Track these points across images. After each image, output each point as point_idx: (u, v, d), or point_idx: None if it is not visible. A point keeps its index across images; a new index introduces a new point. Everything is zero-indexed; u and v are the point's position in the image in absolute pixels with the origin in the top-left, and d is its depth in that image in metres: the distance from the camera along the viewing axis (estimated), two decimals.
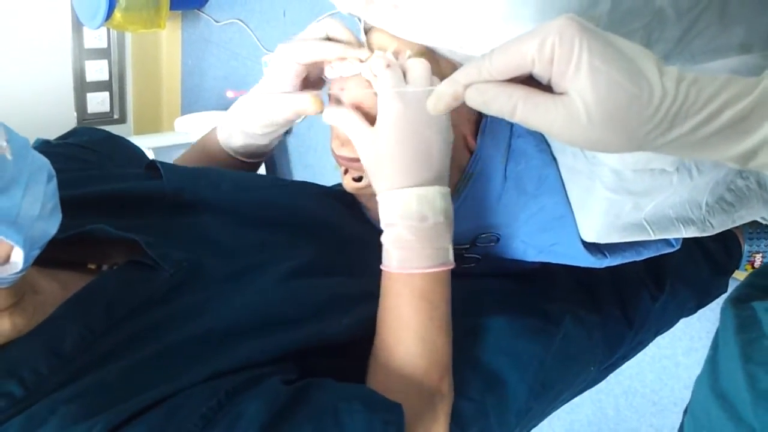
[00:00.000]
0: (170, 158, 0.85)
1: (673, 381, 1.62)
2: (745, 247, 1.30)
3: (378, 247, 0.63)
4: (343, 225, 0.78)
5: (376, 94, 0.61)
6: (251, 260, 0.66)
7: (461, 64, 0.61)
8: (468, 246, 0.77)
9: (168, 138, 2.64)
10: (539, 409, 0.78)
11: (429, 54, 0.65)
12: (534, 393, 0.73)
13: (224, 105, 2.68)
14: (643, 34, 0.56)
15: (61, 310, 0.54)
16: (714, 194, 0.73)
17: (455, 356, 0.64)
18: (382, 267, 0.63)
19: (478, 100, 0.45)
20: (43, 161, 0.49)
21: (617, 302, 0.91)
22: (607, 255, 0.75)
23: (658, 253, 0.78)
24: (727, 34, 0.59)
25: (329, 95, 0.67)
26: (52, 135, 0.78)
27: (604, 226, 0.70)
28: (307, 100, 0.67)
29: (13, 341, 0.52)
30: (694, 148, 0.42)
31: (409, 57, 0.62)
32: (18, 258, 0.45)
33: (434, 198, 0.60)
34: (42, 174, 0.47)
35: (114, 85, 2.98)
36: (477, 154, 0.72)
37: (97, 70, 2.91)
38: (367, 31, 0.69)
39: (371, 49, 0.64)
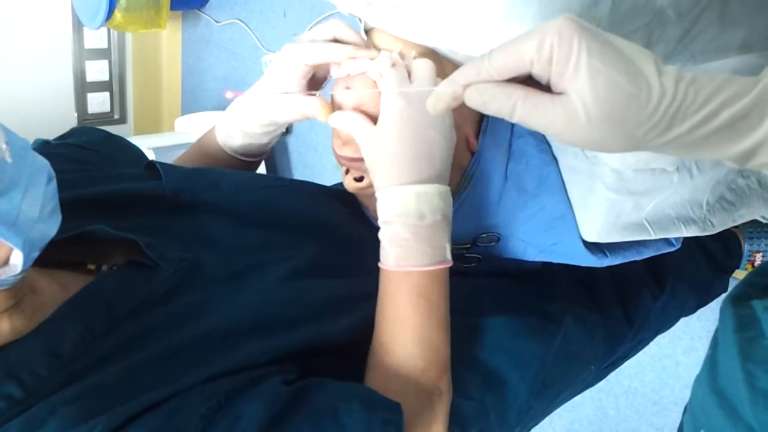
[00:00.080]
0: (170, 158, 0.85)
1: (673, 380, 1.62)
2: (746, 247, 1.30)
3: (378, 247, 0.63)
4: (343, 225, 0.78)
5: (380, 93, 0.61)
6: (251, 260, 0.66)
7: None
8: (469, 246, 0.77)
9: (168, 138, 2.64)
10: (540, 408, 0.78)
11: (434, 55, 0.65)
12: (534, 392, 0.73)
13: (224, 105, 2.66)
14: (644, 34, 0.56)
15: (60, 311, 0.54)
16: (715, 193, 0.73)
17: (456, 355, 0.64)
18: (379, 265, 0.63)
19: (477, 101, 0.45)
20: (43, 163, 0.48)
21: (618, 301, 0.91)
22: (608, 254, 0.75)
23: (658, 253, 0.78)
24: (727, 34, 0.59)
25: (332, 95, 0.67)
26: (52, 135, 0.77)
27: (605, 226, 0.70)
28: (317, 105, 0.67)
29: (12, 342, 0.52)
30: (693, 148, 0.42)
31: (415, 58, 0.62)
32: (17, 260, 0.45)
33: (433, 196, 0.60)
34: (42, 176, 0.47)
35: (114, 86, 2.98)
36: (478, 155, 0.72)
37: (97, 71, 2.91)
38: (367, 32, 0.69)
39: (376, 50, 0.64)
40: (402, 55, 0.63)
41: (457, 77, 0.46)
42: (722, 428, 0.56)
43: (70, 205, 0.53)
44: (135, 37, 2.95)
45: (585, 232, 0.72)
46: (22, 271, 0.46)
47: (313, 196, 0.83)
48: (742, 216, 0.77)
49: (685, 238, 0.76)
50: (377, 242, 0.63)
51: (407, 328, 0.61)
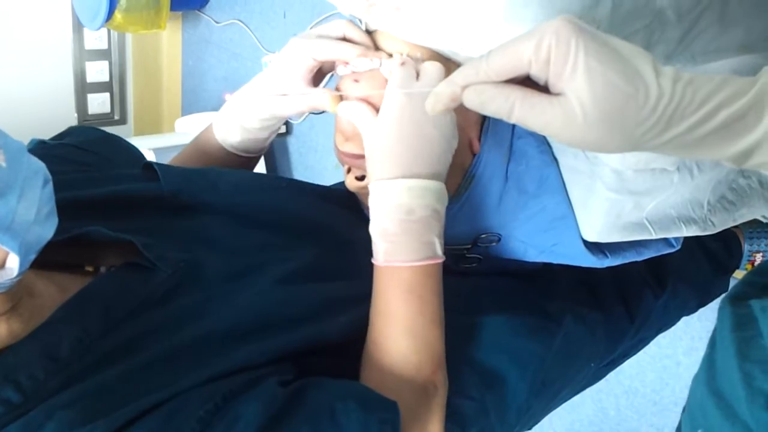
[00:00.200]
0: (171, 159, 0.85)
1: (673, 381, 1.62)
2: (746, 247, 1.30)
3: None
4: (342, 226, 0.78)
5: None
6: (251, 261, 0.66)
7: None
8: (469, 246, 0.77)
9: (168, 139, 2.64)
10: (539, 406, 0.78)
11: (441, 58, 0.65)
12: (534, 391, 0.73)
13: None
14: (644, 35, 0.56)
15: (57, 314, 0.54)
16: (716, 193, 0.73)
17: (455, 355, 0.64)
18: (372, 260, 0.63)
19: (475, 101, 0.45)
20: (39, 165, 0.48)
21: (620, 299, 0.91)
22: (608, 255, 0.75)
23: (658, 254, 0.78)
24: (727, 34, 0.59)
25: (337, 89, 0.68)
26: (52, 136, 0.77)
27: (606, 226, 0.70)
28: (326, 98, 0.67)
29: (9, 346, 0.52)
30: (691, 148, 0.42)
31: (424, 60, 0.63)
32: (13, 264, 0.45)
33: (425, 191, 0.60)
34: (38, 178, 0.47)
35: (114, 86, 2.99)
36: (480, 156, 0.72)
37: (97, 71, 2.91)
38: (369, 33, 0.69)
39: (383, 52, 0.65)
40: (412, 57, 0.63)
41: (456, 78, 0.46)
42: (720, 428, 0.56)
43: (67, 206, 0.53)
44: (135, 38, 2.95)
45: (585, 232, 0.72)
46: (19, 275, 0.46)
47: (312, 197, 0.83)
48: (743, 216, 0.77)
49: (686, 238, 0.76)
50: None
51: (399, 325, 0.60)
